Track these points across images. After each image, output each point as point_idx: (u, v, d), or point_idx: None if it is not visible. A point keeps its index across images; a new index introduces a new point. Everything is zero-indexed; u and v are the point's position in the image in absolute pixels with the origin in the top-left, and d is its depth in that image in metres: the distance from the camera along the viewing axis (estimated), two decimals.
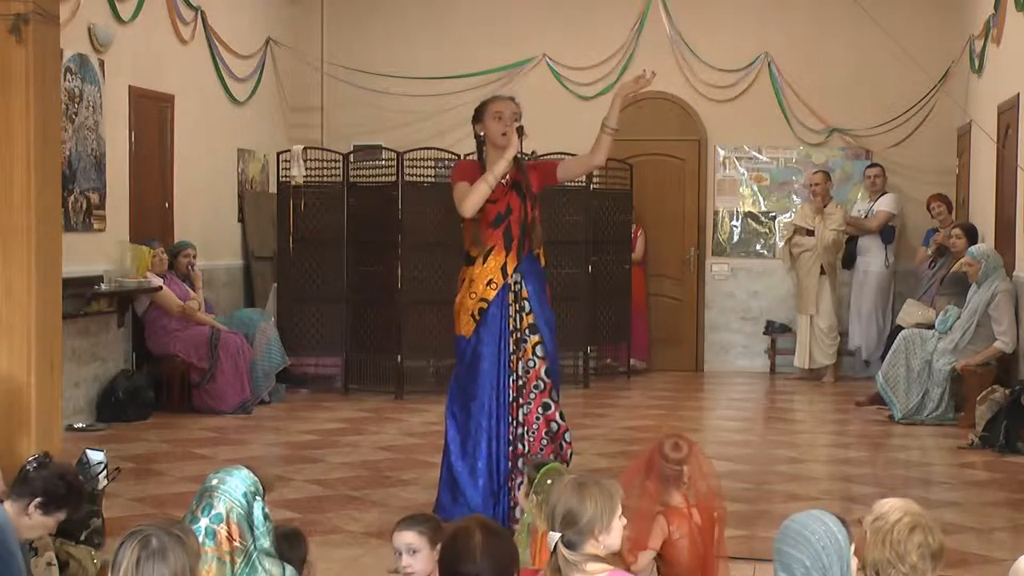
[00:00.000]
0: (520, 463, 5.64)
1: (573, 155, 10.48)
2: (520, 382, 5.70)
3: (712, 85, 12.31)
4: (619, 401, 10.30)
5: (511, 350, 5.71)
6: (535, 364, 5.72)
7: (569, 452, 5.79)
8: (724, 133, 12.39)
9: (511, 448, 5.70)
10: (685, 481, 4.18)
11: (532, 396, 5.72)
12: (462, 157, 10.53)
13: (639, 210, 12.00)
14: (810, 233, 11.33)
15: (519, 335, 5.72)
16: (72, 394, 8.47)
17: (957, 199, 11.49)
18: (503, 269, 5.71)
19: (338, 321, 10.63)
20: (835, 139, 12.25)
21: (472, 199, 5.63)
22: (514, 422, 5.70)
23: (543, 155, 6.08)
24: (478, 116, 5.86)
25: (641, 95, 12.25)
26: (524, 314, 5.73)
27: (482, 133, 5.83)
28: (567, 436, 5.77)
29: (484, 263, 5.72)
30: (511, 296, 5.72)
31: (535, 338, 5.74)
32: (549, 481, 4.20)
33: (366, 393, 10.49)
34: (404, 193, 10.37)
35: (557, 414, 5.74)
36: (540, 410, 5.71)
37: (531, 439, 5.69)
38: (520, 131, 5.66)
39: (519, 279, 5.74)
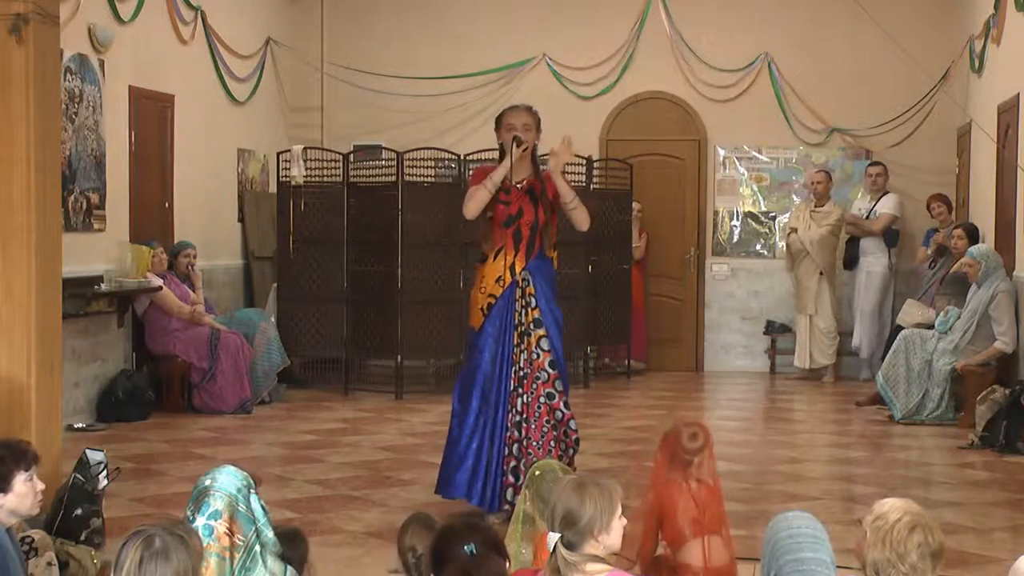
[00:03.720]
0: (515, 448, 5.92)
1: (574, 156, 10.57)
2: (522, 373, 5.98)
3: (712, 85, 12.31)
4: (619, 401, 10.30)
5: (515, 343, 5.99)
6: (539, 356, 5.98)
7: (575, 438, 6.05)
8: (724, 133, 12.39)
9: (507, 434, 5.96)
10: (694, 471, 4.28)
11: (535, 386, 5.98)
12: (462, 157, 10.62)
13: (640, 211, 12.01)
14: (794, 230, 11.40)
15: (523, 328, 6.00)
16: (72, 394, 8.47)
17: (957, 199, 11.49)
18: (511, 268, 6.01)
19: (338, 321, 10.63)
20: (835, 139, 12.25)
21: (470, 204, 6.02)
22: (512, 410, 5.96)
23: (543, 155, 6.21)
24: (497, 127, 6.17)
25: (641, 95, 12.45)
26: (529, 309, 6.01)
27: (501, 142, 6.13)
28: (572, 424, 6.03)
29: (494, 261, 6.04)
30: (518, 292, 6.01)
31: (539, 332, 5.99)
32: (537, 472, 4.25)
33: (366, 393, 10.50)
34: (404, 193, 10.36)
35: (561, 403, 6.00)
36: (543, 399, 5.97)
37: (532, 426, 5.95)
38: (515, 140, 5.96)
39: (527, 277, 6.02)
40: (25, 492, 4.08)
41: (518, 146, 5.93)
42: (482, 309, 6.02)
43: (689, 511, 4.25)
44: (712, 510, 4.30)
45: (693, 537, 4.24)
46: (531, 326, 5.98)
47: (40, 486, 4.15)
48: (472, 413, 5.98)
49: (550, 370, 5.98)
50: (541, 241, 6.06)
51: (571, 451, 6.05)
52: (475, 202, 6.00)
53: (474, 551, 3.22)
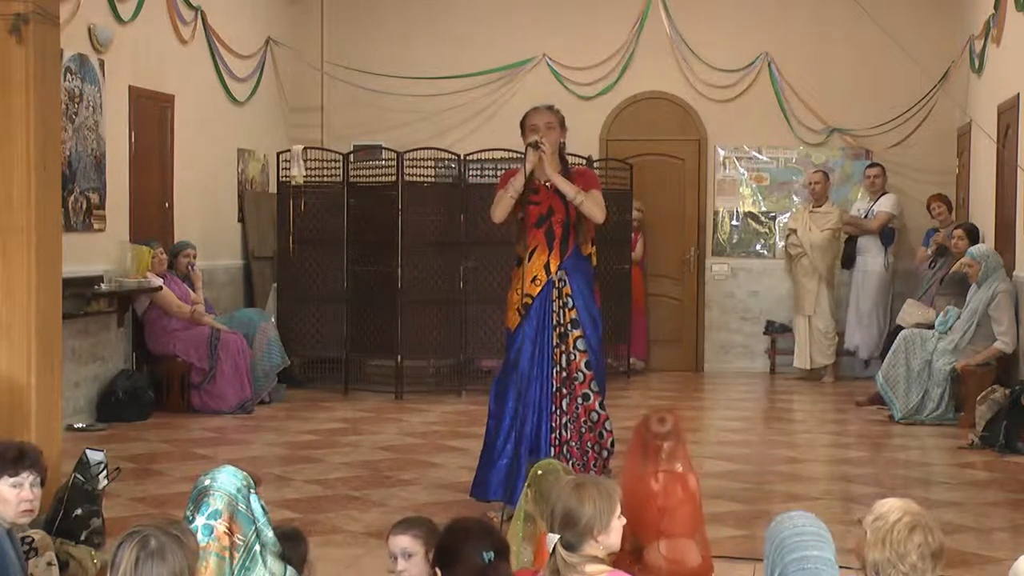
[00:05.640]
0: (564, 450, 5.93)
1: (574, 155, 10.57)
2: (564, 374, 6.00)
3: (712, 85, 12.31)
4: (619, 401, 10.27)
5: (555, 343, 6.01)
6: (575, 357, 6.01)
7: (611, 440, 6.08)
8: (724, 133, 12.39)
9: (554, 435, 5.96)
10: (664, 457, 4.18)
11: (572, 387, 6.00)
12: (462, 157, 10.61)
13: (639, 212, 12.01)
14: (793, 231, 11.41)
15: (562, 329, 6.02)
16: (72, 394, 8.47)
17: (957, 199, 11.49)
18: (546, 267, 6.04)
19: (338, 321, 10.63)
20: (835, 139, 12.25)
21: (496, 209, 6.10)
22: (558, 411, 5.98)
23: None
24: (522, 131, 6.20)
25: (641, 95, 12.45)
26: (567, 309, 6.03)
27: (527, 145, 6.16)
28: (607, 425, 6.07)
29: (529, 261, 6.05)
30: (555, 292, 6.03)
31: (576, 332, 6.02)
32: (540, 472, 4.24)
33: (366, 393, 10.50)
34: (404, 193, 10.36)
35: (597, 404, 6.04)
36: (580, 400, 6.01)
37: (572, 427, 5.99)
38: (534, 145, 5.96)
39: (563, 276, 6.05)
40: (8, 498, 3.97)
41: (534, 151, 5.94)
42: (518, 309, 6.02)
43: (655, 507, 4.12)
44: (684, 508, 4.18)
45: (660, 535, 4.11)
46: (569, 326, 6.00)
47: (29, 495, 4.02)
48: (508, 414, 5.98)
49: (586, 370, 6.01)
50: (575, 238, 6.08)
51: (605, 453, 6.05)
52: (500, 207, 6.07)
53: (492, 559, 3.22)
